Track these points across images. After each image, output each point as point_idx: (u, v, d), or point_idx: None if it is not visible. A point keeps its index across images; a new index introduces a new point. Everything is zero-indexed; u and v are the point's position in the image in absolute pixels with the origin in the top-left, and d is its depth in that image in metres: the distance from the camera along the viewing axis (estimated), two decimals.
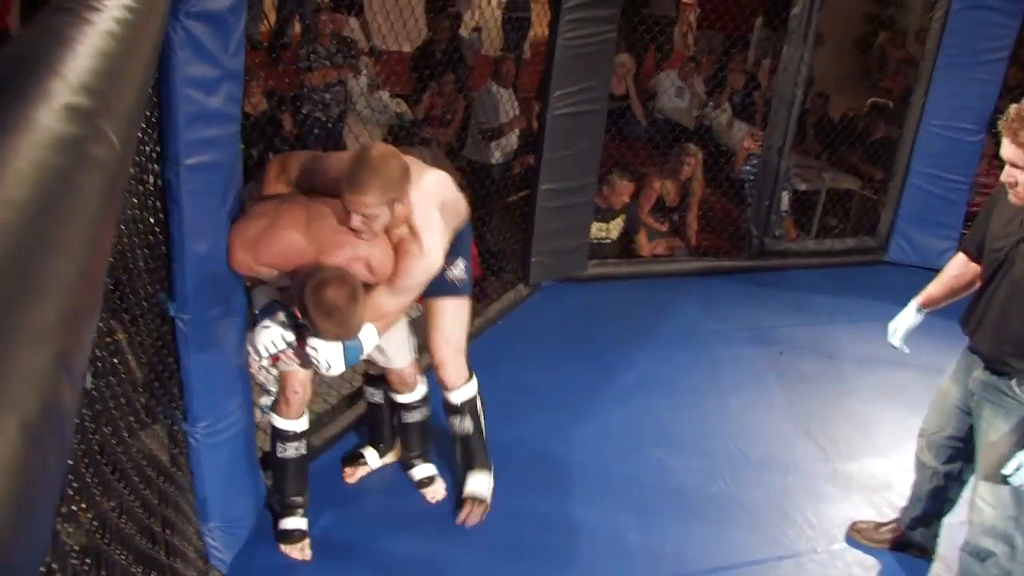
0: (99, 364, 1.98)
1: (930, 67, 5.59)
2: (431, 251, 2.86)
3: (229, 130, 2.59)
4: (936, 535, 3.39)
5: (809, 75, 5.75)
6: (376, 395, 3.63)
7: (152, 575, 2.19)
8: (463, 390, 3.41)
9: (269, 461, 3.29)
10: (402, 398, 3.51)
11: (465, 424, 3.46)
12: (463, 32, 8.60)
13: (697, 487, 3.77)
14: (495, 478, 3.58)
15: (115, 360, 2.21)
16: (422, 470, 3.64)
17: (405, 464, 3.68)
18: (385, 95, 7.45)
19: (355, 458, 3.71)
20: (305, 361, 2.88)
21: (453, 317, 3.33)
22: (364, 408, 3.82)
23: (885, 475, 3.91)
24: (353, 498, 3.54)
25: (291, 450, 3.22)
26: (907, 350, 3.23)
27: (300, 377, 3.14)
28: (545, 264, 5.17)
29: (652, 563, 3.35)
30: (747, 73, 8.10)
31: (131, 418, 2.29)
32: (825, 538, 3.54)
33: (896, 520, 3.49)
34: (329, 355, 2.76)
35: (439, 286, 3.18)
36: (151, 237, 2.53)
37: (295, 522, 3.27)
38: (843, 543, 3.52)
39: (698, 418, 4.23)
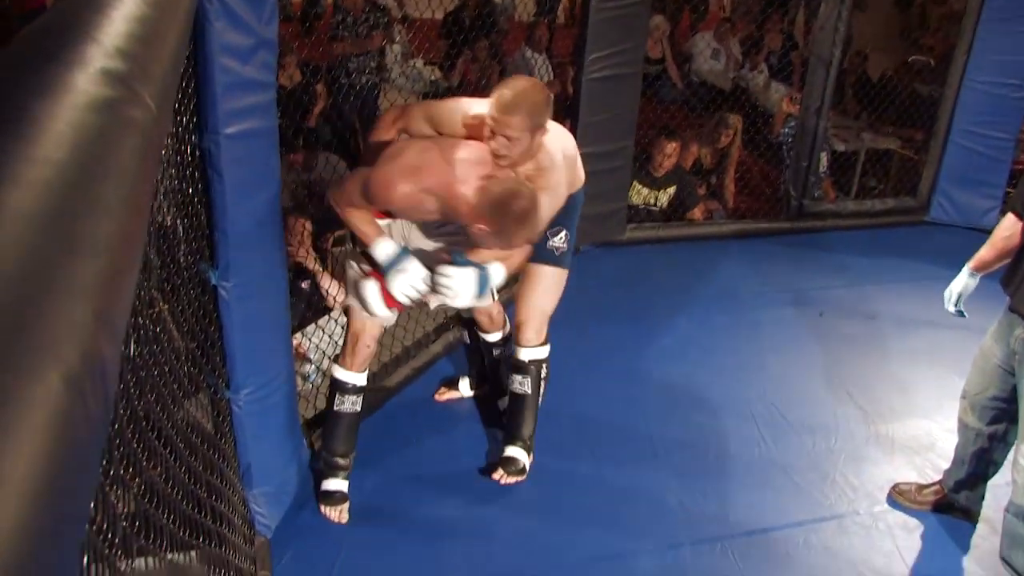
0: (141, 333, 2.01)
1: (973, 22, 5.47)
2: (557, 187, 2.96)
3: (265, 98, 2.60)
4: (981, 498, 3.36)
5: (847, 34, 5.65)
6: (465, 335, 3.90)
7: (200, 541, 2.22)
8: (534, 350, 3.48)
9: (324, 415, 3.34)
10: (491, 337, 3.71)
11: (525, 385, 3.50)
12: None
13: (737, 450, 3.76)
14: (538, 442, 3.60)
15: (158, 329, 2.24)
16: (513, 452, 3.60)
17: (496, 394, 3.89)
18: (419, 63, 7.45)
19: (452, 382, 4.00)
20: (431, 295, 2.95)
21: (547, 284, 3.42)
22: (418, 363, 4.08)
23: (928, 436, 3.88)
24: (400, 455, 3.57)
25: (348, 404, 3.27)
26: (966, 315, 3.21)
27: (374, 332, 3.23)
28: (583, 228, 5.09)
29: (693, 525, 3.35)
30: (784, 33, 7.99)
31: (175, 386, 2.32)
32: (867, 500, 3.52)
33: (939, 482, 3.47)
34: (463, 283, 2.86)
35: (539, 252, 3.30)
36: (191, 207, 2.56)
37: (337, 484, 3.32)
38: (885, 505, 3.51)
39: (738, 381, 4.21)
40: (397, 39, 7.77)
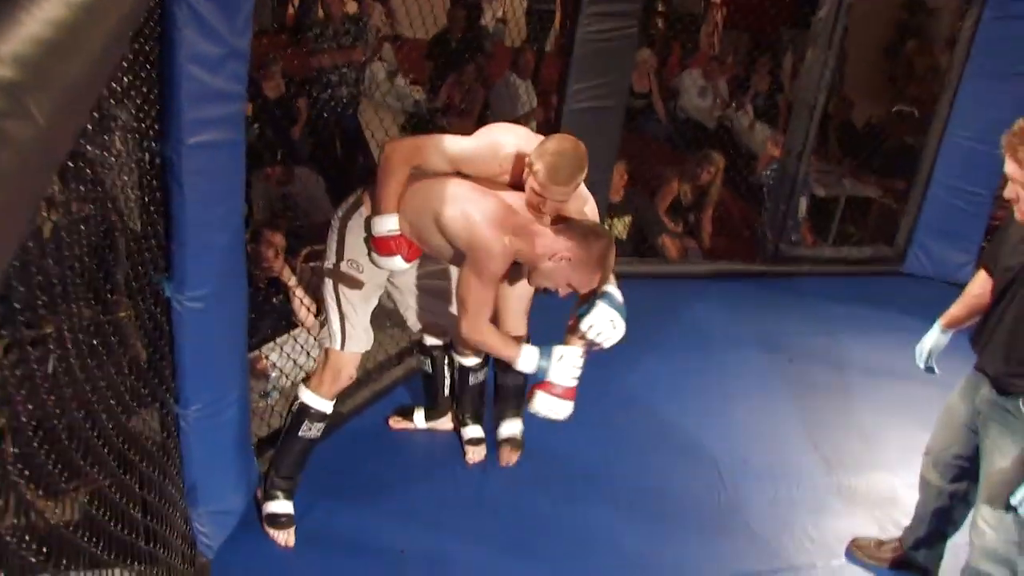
0: (82, 347, 1.94)
1: (957, 76, 5.48)
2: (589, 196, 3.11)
3: (233, 109, 2.54)
4: (940, 557, 3.32)
5: (833, 80, 5.64)
6: (427, 363, 3.75)
7: (128, 562, 2.14)
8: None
9: (280, 437, 3.25)
10: (466, 361, 3.66)
11: (518, 378, 3.62)
12: (487, 22, 8.54)
13: (698, 494, 3.70)
14: (495, 476, 3.60)
15: (96, 341, 2.17)
16: (474, 430, 3.80)
17: (457, 424, 3.85)
18: (403, 81, 7.41)
19: (407, 411, 3.92)
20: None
21: (522, 289, 3.37)
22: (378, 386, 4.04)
23: (890, 491, 3.83)
24: (352, 480, 3.49)
25: (314, 430, 3.21)
26: (937, 371, 3.16)
27: (357, 362, 3.22)
28: None
29: (649, 570, 3.30)
30: (771, 75, 8.00)
31: (112, 401, 2.24)
32: (825, 552, 3.47)
33: (899, 539, 3.42)
34: (605, 322, 2.95)
35: None
36: (148, 216, 2.49)
37: (284, 506, 3.24)
38: (843, 559, 3.45)
39: (702, 424, 4.15)
40: (384, 58, 7.75)
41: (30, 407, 1.64)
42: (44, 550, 1.62)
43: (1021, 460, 2.67)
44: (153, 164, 2.43)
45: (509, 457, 3.76)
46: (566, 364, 2.96)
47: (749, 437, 4.10)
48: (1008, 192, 2.51)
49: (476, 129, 3.16)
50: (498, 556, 3.28)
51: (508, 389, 3.75)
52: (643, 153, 6.37)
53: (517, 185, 2.91)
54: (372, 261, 3.00)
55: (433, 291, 3.34)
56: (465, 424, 3.81)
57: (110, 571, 2.10)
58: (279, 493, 3.24)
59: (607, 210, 5.45)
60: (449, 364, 3.74)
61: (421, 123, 6.69)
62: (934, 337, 3.13)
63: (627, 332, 4.60)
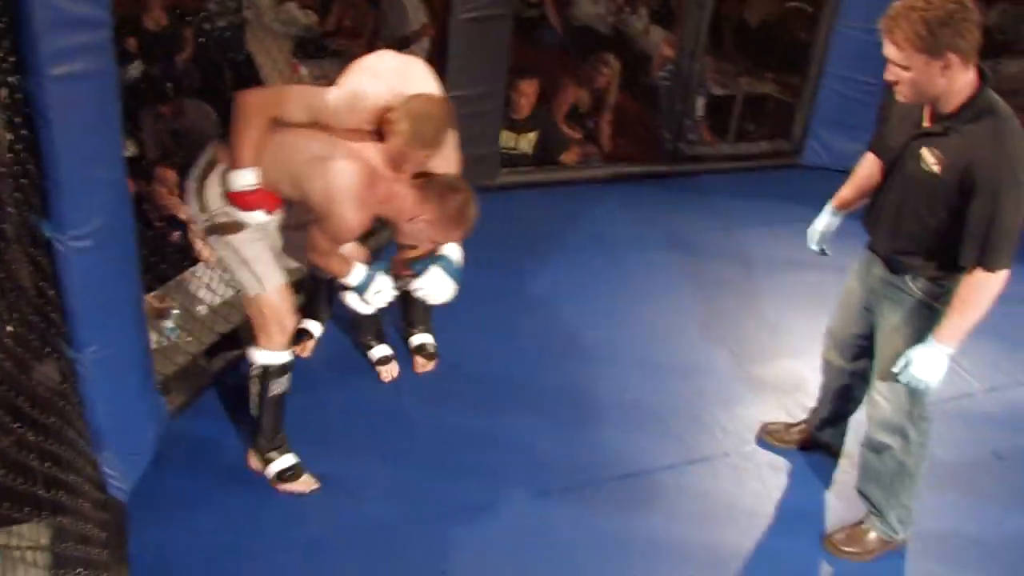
0: None
1: None
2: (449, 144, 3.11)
3: (97, 37, 2.42)
4: (843, 434, 3.44)
5: None
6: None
7: (28, 512, 2.10)
8: None
9: (256, 405, 3.14)
10: None
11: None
12: None
13: (608, 395, 3.76)
14: (406, 390, 3.66)
15: None
16: (381, 349, 3.81)
17: (363, 346, 3.83)
18: (293, 7, 7.20)
19: (302, 334, 3.78)
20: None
21: None
22: None
23: (796, 377, 3.94)
24: None
25: (282, 384, 3.12)
26: (829, 253, 3.22)
27: (291, 301, 3.09)
28: None
29: (565, 472, 3.35)
30: None
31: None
32: (737, 441, 3.58)
33: (806, 421, 3.53)
34: (435, 284, 3.14)
35: None
36: (16, 156, 2.38)
37: (286, 460, 3.18)
38: (754, 445, 3.56)
39: (610, 326, 4.20)
40: None
41: None
42: None
43: (909, 334, 2.76)
44: (15, 99, 2.32)
45: (424, 366, 3.82)
46: (380, 296, 3.07)
47: (656, 335, 4.16)
48: (888, 75, 2.53)
49: (366, 52, 3.09)
50: (416, 471, 3.30)
51: (414, 300, 3.71)
52: (539, 64, 6.29)
53: (379, 135, 2.88)
54: (227, 215, 2.92)
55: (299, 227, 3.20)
56: (370, 346, 3.80)
57: (20, 527, 2.06)
58: (273, 452, 3.17)
59: (511, 127, 5.41)
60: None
61: (310, 47, 6.53)
62: (825, 220, 3.18)
63: (533, 239, 4.67)
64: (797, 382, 3.90)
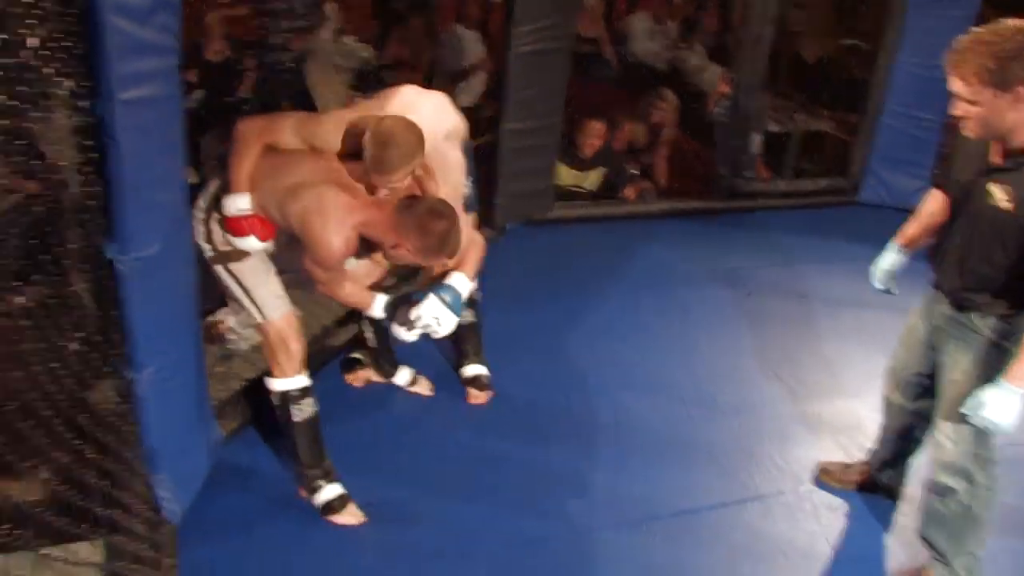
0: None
1: (903, 4, 5.47)
2: (449, 171, 3.10)
3: (166, 63, 2.46)
4: (904, 476, 3.36)
5: (781, 14, 5.60)
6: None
7: (85, 529, 2.11)
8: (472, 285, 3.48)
9: (287, 435, 3.16)
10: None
11: (468, 315, 3.70)
12: None
13: (663, 430, 3.71)
14: (459, 419, 3.65)
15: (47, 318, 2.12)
16: (404, 375, 3.85)
17: (384, 375, 3.85)
18: (351, 40, 7.30)
19: (353, 363, 3.88)
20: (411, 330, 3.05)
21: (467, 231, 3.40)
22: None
23: (854, 416, 3.87)
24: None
25: (306, 408, 3.12)
26: (895, 292, 3.16)
27: (295, 326, 3.10)
28: (510, 206, 5.07)
29: (618, 506, 3.30)
30: (721, 14, 7.95)
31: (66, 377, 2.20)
32: (793, 480, 3.50)
33: (865, 462, 3.45)
34: (435, 311, 3.01)
35: None
36: (85, 178, 2.42)
37: (333, 490, 3.16)
38: (811, 485, 3.49)
39: (665, 361, 4.17)
40: (328, 16, 7.62)
41: None
42: (10, 530, 1.59)
43: (974, 372, 2.69)
44: (87, 123, 2.36)
45: (478, 397, 3.82)
46: (418, 320, 3.05)
47: (711, 371, 4.11)
48: (955, 110, 2.49)
49: (424, 84, 3.11)
50: (464, 501, 3.27)
51: (463, 328, 3.73)
52: (594, 99, 6.31)
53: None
54: (227, 242, 2.95)
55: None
56: (391, 375, 3.84)
57: (75, 545, 2.07)
58: (320, 482, 3.16)
59: (576, 166, 5.44)
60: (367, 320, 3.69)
61: (369, 80, 6.60)
62: (890, 258, 3.13)
63: (588, 273, 4.66)
64: (855, 421, 3.83)
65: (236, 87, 6.07)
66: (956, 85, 2.44)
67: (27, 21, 1.99)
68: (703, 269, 5.04)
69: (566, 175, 5.47)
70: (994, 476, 2.84)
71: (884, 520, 3.34)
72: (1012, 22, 2.36)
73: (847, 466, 3.51)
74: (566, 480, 3.41)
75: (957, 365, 2.76)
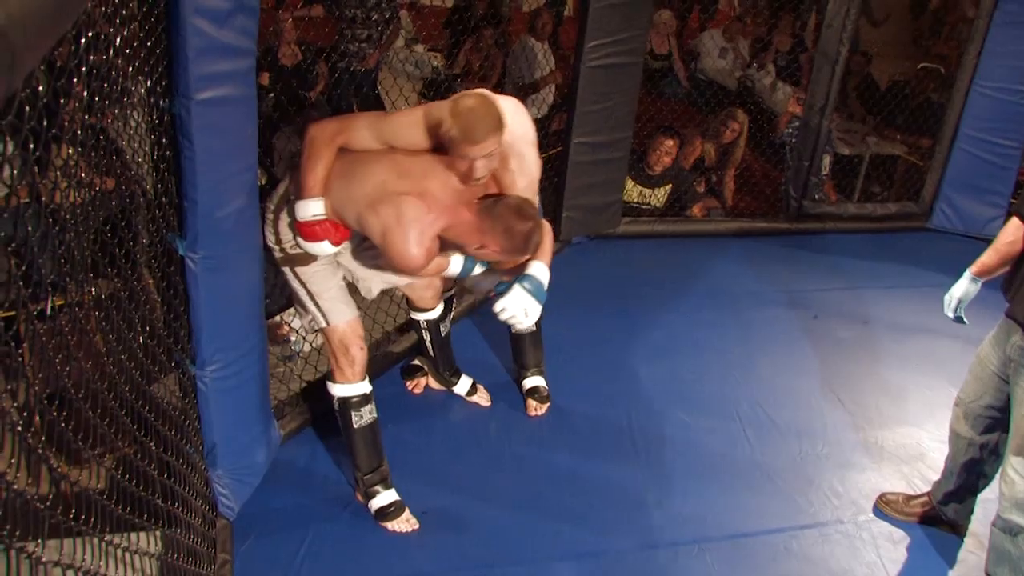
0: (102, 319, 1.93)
1: (985, 25, 5.35)
2: (526, 166, 2.93)
3: (243, 65, 2.50)
4: (970, 512, 3.27)
5: (855, 34, 5.52)
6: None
7: (147, 520, 2.14)
8: None
9: (346, 440, 3.17)
10: (434, 314, 3.61)
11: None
12: None
13: (721, 450, 3.67)
14: (517, 432, 3.63)
15: (115, 312, 2.16)
16: (464, 383, 3.84)
17: (445, 382, 3.85)
18: (422, 49, 7.37)
19: (415, 370, 3.90)
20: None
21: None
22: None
23: (917, 446, 3.78)
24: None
25: (365, 416, 3.12)
26: (967, 321, 3.09)
27: (359, 332, 3.10)
28: (576, 219, 5.06)
29: (670, 526, 3.26)
30: (794, 35, 7.88)
31: (133, 369, 2.23)
32: (852, 508, 3.43)
33: (928, 493, 3.37)
34: (522, 302, 2.89)
35: None
36: (160, 174, 2.47)
37: (388, 496, 3.17)
38: (870, 514, 3.41)
39: (726, 380, 4.12)
40: (402, 25, 7.70)
41: (57, 379, 1.63)
42: (73, 515, 1.62)
43: None
44: (163, 121, 2.41)
45: (537, 409, 3.80)
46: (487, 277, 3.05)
47: (773, 393, 4.05)
48: None
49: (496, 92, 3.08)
50: (521, 514, 3.26)
51: (523, 339, 3.82)
52: (663, 115, 6.29)
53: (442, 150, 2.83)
54: (299, 247, 2.92)
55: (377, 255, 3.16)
56: (452, 383, 3.83)
57: (136, 535, 2.10)
58: (376, 488, 3.17)
59: (645, 182, 5.43)
60: (428, 330, 3.67)
61: (439, 89, 6.64)
62: (964, 286, 3.06)
63: (652, 289, 4.62)
64: (919, 451, 3.75)
65: (308, 91, 6.15)
66: None
67: (115, 21, 2.02)
68: (767, 290, 4.98)
69: (634, 191, 5.46)
70: None
71: (947, 555, 3.25)
72: None
73: (910, 497, 3.42)
74: (620, 496, 3.38)
75: None
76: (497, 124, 2.69)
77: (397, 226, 2.67)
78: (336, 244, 2.89)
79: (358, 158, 2.82)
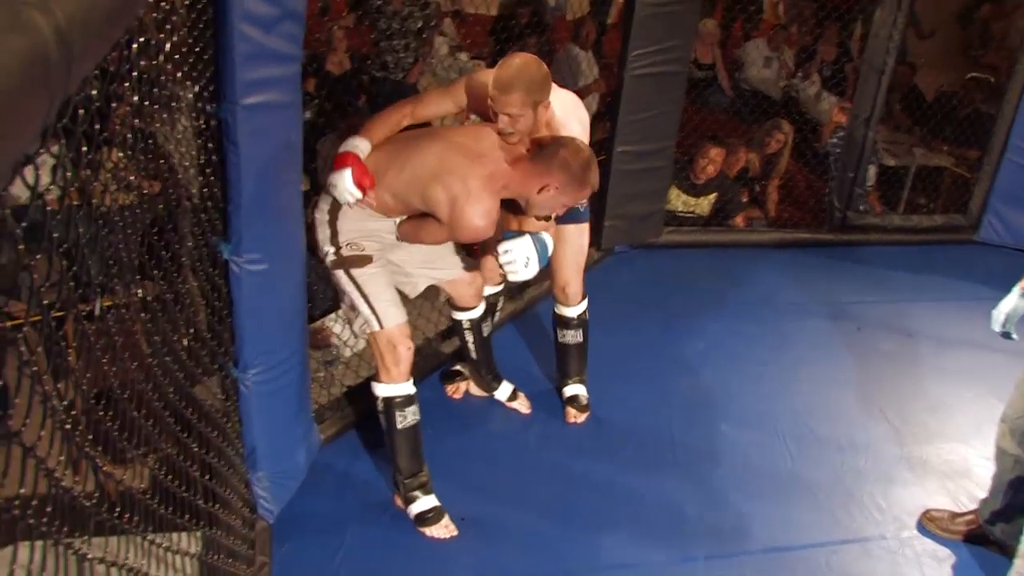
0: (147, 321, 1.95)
1: None
2: None
3: (289, 71, 2.53)
4: (1020, 531, 3.19)
5: (901, 43, 5.45)
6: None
7: (190, 521, 2.16)
8: (579, 307, 3.73)
9: (388, 442, 3.16)
10: (476, 313, 3.59)
11: (578, 336, 3.77)
12: None
13: (762, 463, 3.63)
14: (557, 441, 3.62)
15: (161, 314, 2.18)
16: (505, 388, 3.85)
17: (486, 386, 3.87)
18: (465, 56, 7.39)
19: (455, 375, 3.95)
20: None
21: (581, 242, 3.61)
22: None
23: (963, 462, 3.72)
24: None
25: (409, 417, 3.11)
26: (1015, 337, 3.04)
27: (406, 332, 3.11)
28: (619, 228, 5.04)
29: (710, 538, 3.23)
30: (839, 44, 7.82)
31: (177, 371, 2.26)
32: (895, 524, 3.38)
33: (974, 511, 3.31)
34: (523, 253, 2.95)
35: (566, 213, 3.25)
36: (206, 178, 2.50)
37: (428, 502, 3.17)
38: (914, 531, 3.36)
39: (767, 392, 4.08)
40: (446, 32, 7.74)
41: (103, 379, 1.66)
42: (117, 513, 1.64)
43: None
44: (209, 126, 2.44)
45: (576, 417, 3.80)
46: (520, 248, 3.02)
47: (815, 406, 4.01)
48: None
49: None
50: (559, 523, 3.24)
51: (570, 348, 3.81)
52: (708, 124, 6.26)
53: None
54: (330, 184, 2.92)
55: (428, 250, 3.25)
56: (493, 388, 3.84)
57: (177, 535, 2.12)
58: (416, 493, 3.17)
59: (690, 191, 5.42)
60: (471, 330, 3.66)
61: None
62: (1013, 301, 2.99)
63: (693, 299, 4.60)
64: (964, 468, 3.68)
65: (354, 99, 6.20)
66: None
67: (166, 26, 2.05)
68: (810, 301, 4.94)
69: (678, 199, 5.44)
70: None
71: (993, 575, 3.19)
72: None
73: (955, 515, 3.36)
74: (658, 507, 3.36)
75: None
76: (531, 85, 2.80)
77: (466, 199, 2.76)
78: (358, 186, 2.88)
79: (409, 144, 2.94)
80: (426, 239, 3.03)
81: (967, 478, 3.62)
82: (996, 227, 5.74)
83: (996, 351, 4.22)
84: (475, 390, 3.89)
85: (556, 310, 3.76)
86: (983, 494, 3.27)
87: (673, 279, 5.03)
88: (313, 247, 3.05)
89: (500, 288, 3.76)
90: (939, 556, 3.25)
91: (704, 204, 5.53)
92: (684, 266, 5.19)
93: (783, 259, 5.42)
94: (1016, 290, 3.00)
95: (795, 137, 6.09)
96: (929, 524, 3.37)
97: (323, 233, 3.01)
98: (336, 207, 2.97)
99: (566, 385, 3.87)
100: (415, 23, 6.43)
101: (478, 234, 2.83)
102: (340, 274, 3.03)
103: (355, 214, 2.97)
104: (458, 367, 3.93)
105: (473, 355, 3.71)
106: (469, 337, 3.65)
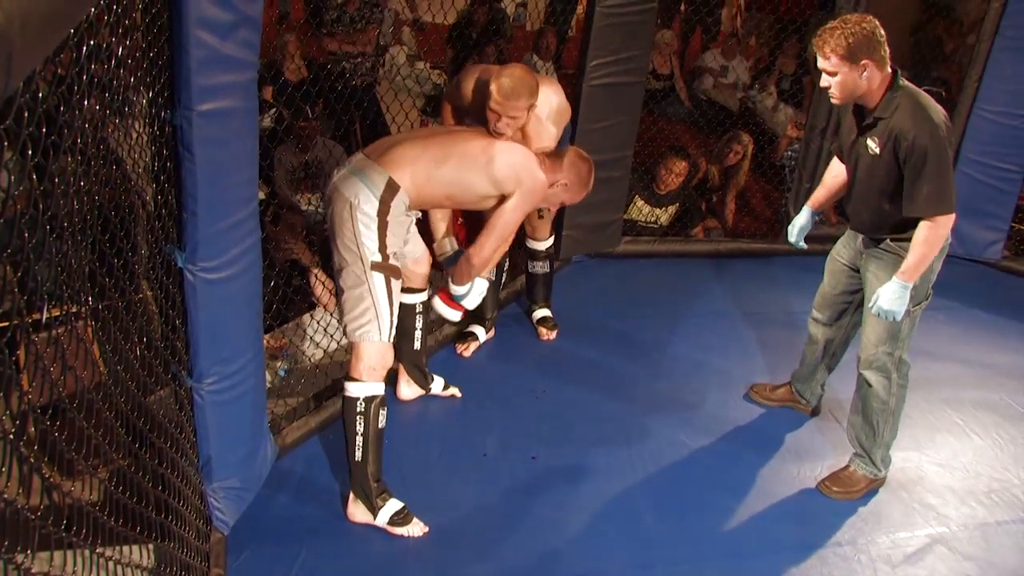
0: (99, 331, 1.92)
1: (986, 50, 5.35)
2: (544, 141, 3.58)
3: (244, 77, 2.51)
4: (820, 387, 3.95)
5: None
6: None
7: (140, 533, 2.12)
8: (547, 241, 4.42)
9: (363, 443, 3.12)
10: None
11: (545, 266, 4.47)
12: (507, 6, 8.49)
13: (720, 472, 3.65)
14: (515, 449, 3.65)
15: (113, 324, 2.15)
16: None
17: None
18: (425, 66, 7.39)
19: (467, 336, 4.33)
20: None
21: None
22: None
23: (917, 469, 3.77)
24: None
25: (382, 418, 3.14)
26: (804, 246, 3.77)
27: (391, 348, 3.18)
28: (576, 238, 5.05)
29: (667, 546, 3.25)
30: (798, 58, 7.90)
31: (129, 381, 2.22)
32: (850, 531, 3.42)
33: (789, 382, 4.05)
34: (481, 291, 3.53)
35: None
36: (158, 185, 2.46)
37: (396, 503, 3.18)
38: (869, 536, 3.40)
39: (725, 401, 4.10)
40: (404, 41, 7.74)
41: (51, 389, 1.62)
42: (66, 527, 1.60)
43: (886, 278, 3.22)
44: (164, 132, 2.40)
45: (547, 335, 4.48)
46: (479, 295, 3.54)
47: (774, 414, 4.04)
48: (823, 83, 3.05)
49: None
50: (518, 531, 3.25)
51: (538, 277, 4.49)
52: (665, 135, 6.29)
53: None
54: (397, 256, 3.16)
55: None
56: (429, 384, 3.94)
57: (128, 548, 2.09)
58: (385, 495, 3.18)
59: (653, 201, 5.45)
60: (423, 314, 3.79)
61: (440, 105, 6.65)
62: (804, 217, 3.70)
63: (651, 309, 4.68)
64: (918, 475, 3.73)
65: (312, 107, 6.15)
66: (822, 63, 3.00)
67: (118, 31, 2.02)
68: (768, 310, 4.97)
69: (644, 208, 5.48)
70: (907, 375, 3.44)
71: None
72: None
73: (775, 386, 4.10)
74: (617, 515, 3.37)
75: (876, 278, 3.31)
76: (531, 93, 3.24)
77: (526, 159, 3.25)
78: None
79: (442, 150, 3.22)
80: (503, 240, 3.40)
81: (920, 485, 3.67)
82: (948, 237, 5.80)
83: (948, 361, 4.31)
84: (408, 394, 3.89)
85: (527, 244, 4.39)
86: (935, 499, 3.37)
87: (631, 289, 5.05)
88: (266, 257, 3.03)
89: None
90: (893, 560, 3.29)
91: (664, 216, 5.56)
92: (642, 276, 5.20)
93: (741, 269, 5.46)
94: (805, 208, 3.70)
95: (754, 148, 6.13)
96: (754, 395, 4.12)
97: (368, 236, 3.02)
98: (384, 213, 3.05)
99: (535, 310, 4.53)
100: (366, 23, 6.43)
101: (537, 194, 3.28)
102: (376, 278, 3.05)
103: (398, 230, 3.11)
104: (471, 328, 4.32)
105: (417, 345, 3.77)
106: (419, 323, 3.72)
